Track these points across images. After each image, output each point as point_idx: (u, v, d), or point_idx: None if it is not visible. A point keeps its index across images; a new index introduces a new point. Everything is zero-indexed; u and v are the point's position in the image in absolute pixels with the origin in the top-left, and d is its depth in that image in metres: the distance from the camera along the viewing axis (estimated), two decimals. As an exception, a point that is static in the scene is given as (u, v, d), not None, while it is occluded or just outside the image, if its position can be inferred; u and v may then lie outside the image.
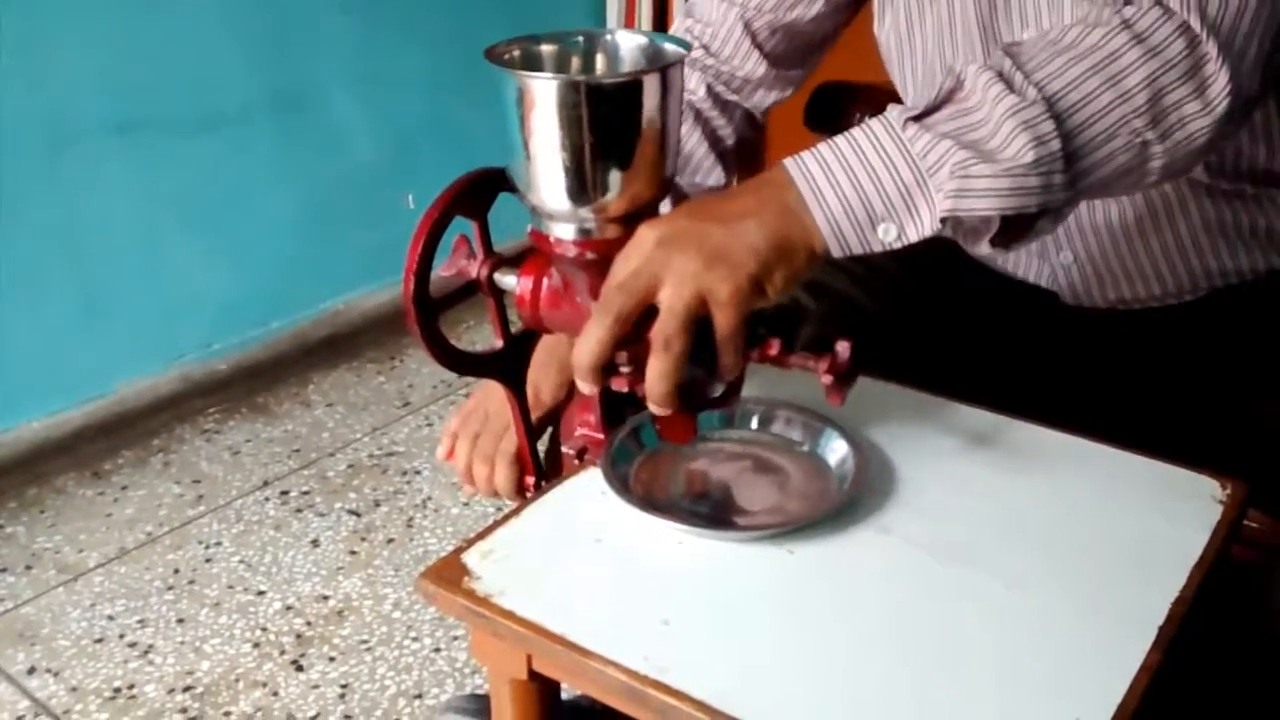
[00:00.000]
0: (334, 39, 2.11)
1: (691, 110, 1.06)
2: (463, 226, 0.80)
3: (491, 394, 0.95)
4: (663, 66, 0.72)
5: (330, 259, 2.23)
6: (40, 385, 1.87)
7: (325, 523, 1.78)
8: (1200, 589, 0.67)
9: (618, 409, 0.81)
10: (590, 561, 0.71)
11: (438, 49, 2.24)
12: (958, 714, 0.59)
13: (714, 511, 0.75)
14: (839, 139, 0.69)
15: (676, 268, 0.66)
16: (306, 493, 1.86)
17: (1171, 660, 0.62)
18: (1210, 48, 0.69)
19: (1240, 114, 0.71)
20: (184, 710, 1.43)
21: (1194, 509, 0.74)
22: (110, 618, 1.58)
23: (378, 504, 1.83)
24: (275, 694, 1.45)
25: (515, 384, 0.85)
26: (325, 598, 1.62)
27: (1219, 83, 0.69)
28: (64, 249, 1.86)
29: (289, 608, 1.60)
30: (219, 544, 1.73)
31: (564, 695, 0.78)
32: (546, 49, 0.76)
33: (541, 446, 0.92)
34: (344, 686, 1.46)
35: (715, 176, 1.07)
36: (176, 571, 1.67)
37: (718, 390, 0.73)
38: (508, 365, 0.84)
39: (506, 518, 0.75)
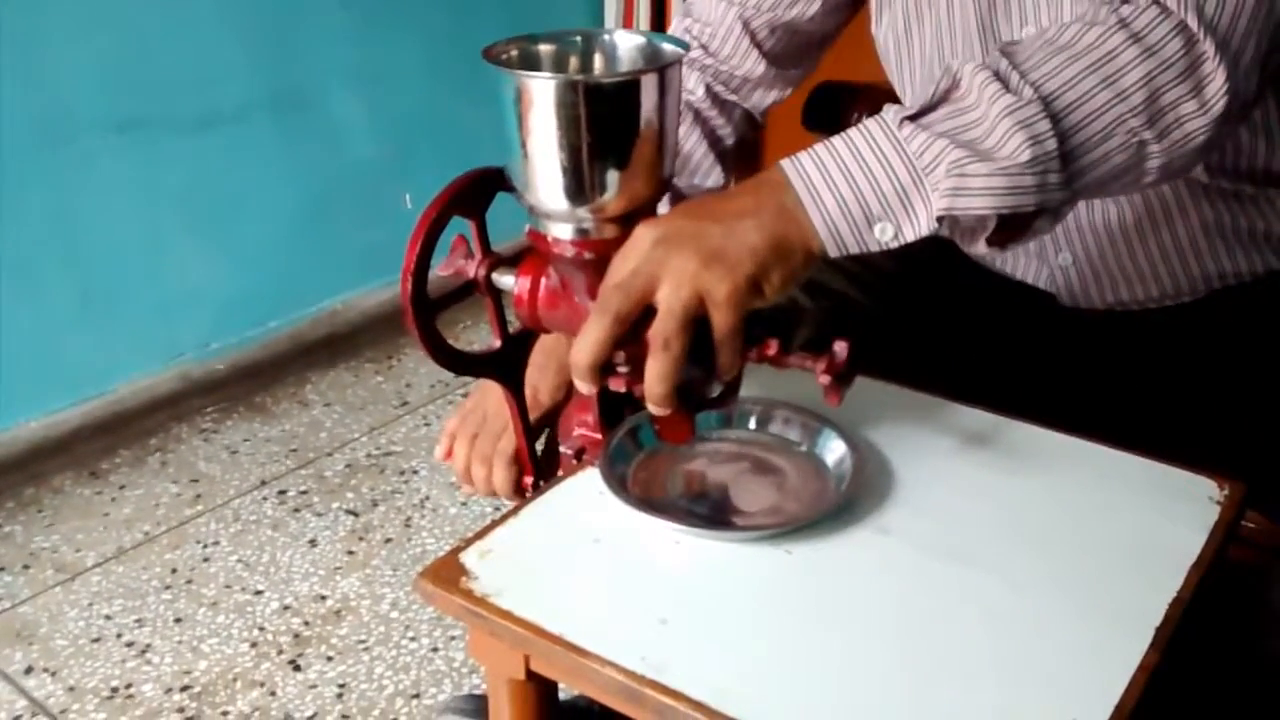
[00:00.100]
0: (333, 37, 2.11)
1: (690, 111, 1.06)
2: (461, 226, 0.80)
3: (489, 394, 0.95)
4: (661, 66, 0.72)
5: (328, 258, 2.23)
6: (38, 384, 1.87)
7: (323, 522, 1.78)
8: (1198, 590, 0.67)
9: (616, 409, 0.81)
10: (588, 561, 0.71)
11: (436, 47, 2.24)
12: (955, 713, 0.59)
13: (712, 511, 0.75)
14: (836, 139, 0.69)
15: (674, 267, 0.66)
16: (304, 492, 1.86)
17: (1169, 661, 0.62)
18: (1207, 46, 0.69)
19: (1237, 114, 0.71)
20: (181, 710, 1.43)
21: (1191, 509, 0.74)
22: (108, 617, 1.58)
23: (375, 504, 1.82)
24: (273, 694, 1.45)
25: (513, 384, 0.85)
26: (323, 597, 1.62)
27: (1216, 82, 0.69)
28: (62, 247, 1.86)
29: (287, 607, 1.60)
30: (217, 543, 1.73)
31: (562, 695, 0.78)
32: (544, 48, 0.76)
33: (540, 446, 0.92)
34: (341, 686, 1.46)
35: (714, 178, 1.07)
36: (174, 571, 1.67)
37: (716, 390, 0.73)
38: (506, 365, 0.84)
39: (504, 518, 0.75)
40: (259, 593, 1.63)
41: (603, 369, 0.67)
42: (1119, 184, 0.71)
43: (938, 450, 0.80)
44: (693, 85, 1.07)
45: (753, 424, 0.83)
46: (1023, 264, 1.04)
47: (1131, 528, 0.72)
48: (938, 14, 0.97)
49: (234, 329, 2.12)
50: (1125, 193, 0.78)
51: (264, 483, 1.88)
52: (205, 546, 1.73)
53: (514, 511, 0.75)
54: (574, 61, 0.77)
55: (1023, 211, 0.67)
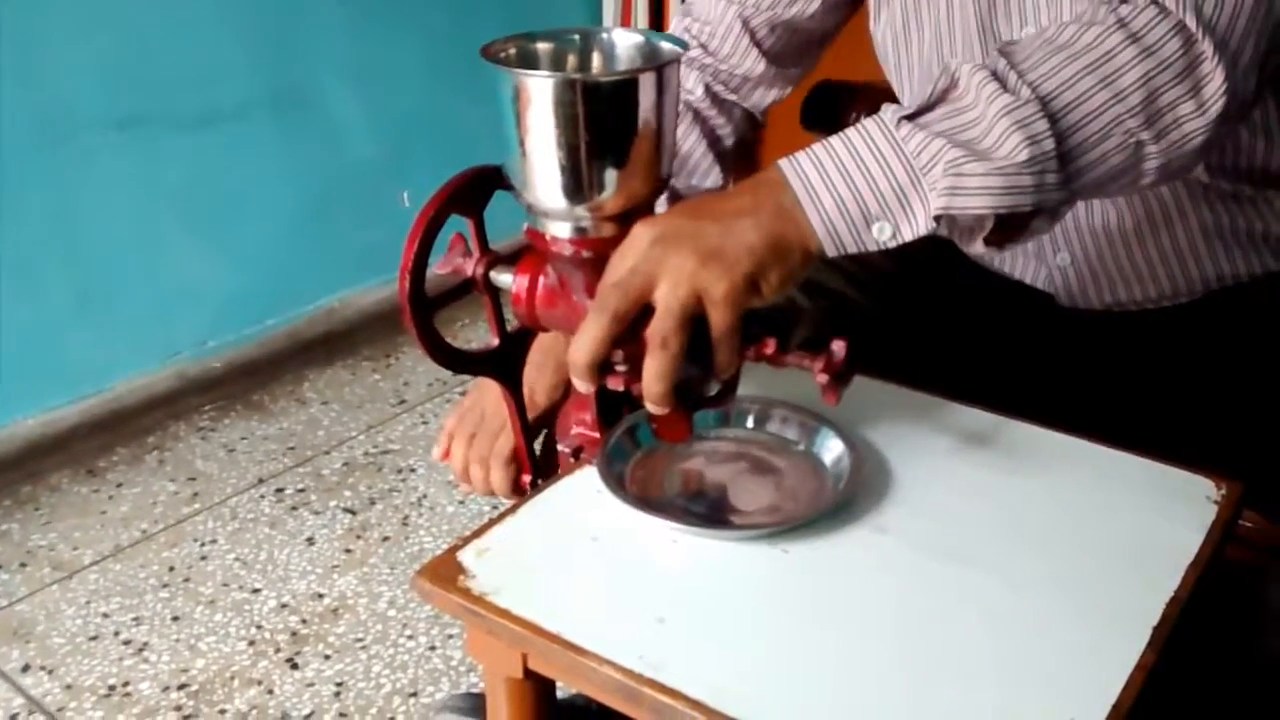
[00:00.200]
0: (331, 36, 2.11)
1: (690, 111, 1.06)
2: (459, 224, 0.80)
3: (487, 394, 0.95)
4: (659, 65, 0.72)
5: (326, 256, 2.23)
6: (35, 382, 1.87)
7: (320, 520, 1.78)
8: (1195, 589, 0.67)
9: (613, 408, 0.81)
10: (586, 560, 0.71)
11: (435, 46, 2.24)
12: (953, 713, 0.59)
13: (709, 510, 0.75)
14: (833, 139, 0.69)
15: (672, 266, 0.66)
16: (302, 490, 1.86)
17: (1166, 660, 0.62)
18: (1206, 47, 0.69)
19: (1236, 114, 0.71)
20: (179, 708, 1.43)
21: (1189, 509, 0.74)
22: (105, 615, 1.58)
23: (373, 502, 1.82)
24: (270, 692, 1.45)
25: (511, 382, 0.85)
26: (320, 596, 1.62)
27: (1214, 83, 0.69)
28: (60, 245, 1.86)
29: (284, 605, 1.60)
30: (214, 542, 1.73)
31: (559, 694, 0.78)
32: (543, 47, 0.76)
33: (539, 446, 0.92)
34: (339, 685, 1.46)
35: (713, 179, 1.07)
36: (171, 569, 1.67)
37: (713, 389, 0.73)
38: (504, 363, 0.84)
39: (502, 516, 0.75)
40: (256, 591, 1.63)
41: (601, 368, 0.67)
42: (1117, 185, 0.71)
43: (935, 449, 0.80)
44: (692, 85, 1.07)
45: (750, 423, 0.83)
46: (1021, 264, 1.04)
47: (1129, 527, 0.73)
48: (937, 13, 0.97)
49: (232, 327, 2.12)
50: (1124, 194, 0.78)
51: (261, 481, 1.88)
52: (203, 545, 1.72)
53: (512, 510, 0.75)
54: (572, 60, 0.77)
55: (1020, 211, 0.67)
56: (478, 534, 0.73)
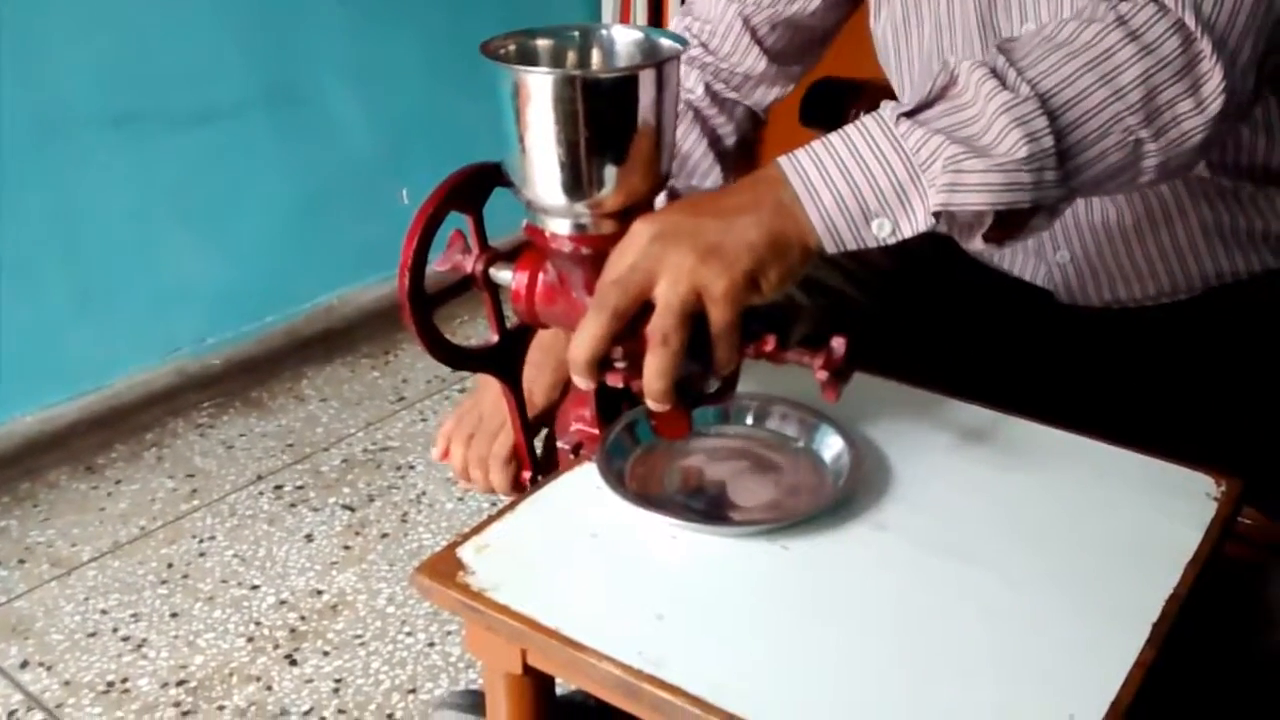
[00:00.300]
0: (329, 32, 2.11)
1: (690, 110, 1.06)
2: (458, 221, 0.80)
3: (484, 395, 0.95)
4: (659, 62, 0.71)
5: (325, 253, 2.23)
6: (33, 379, 1.87)
7: (319, 517, 1.78)
8: (1195, 586, 0.67)
9: (613, 404, 0.81)
10: (585, 556, 0.71)
11: (433, 43, 2.24)
12: (952, 709, 0.59)
13: (709, 507, 0.75)
14: (833, 136, 0.69)
15: (672, 263, 0.66)
16: (301, 487, 1.86)
17: (1166, 657, 0.63)
18: (1204, 45, 0.69)
19: (1234, 113, 0.71)
20: (177, 704, 1.43)
21: (1189, 506, 0.74)
22: (103, 612, 1.58)
23: (372, 499, 1.82)
24: (269, 688, 1.45)
25: (511, 378, 0.85)
26: (319, 592, 1.62)
27: (1213, 81, 0.69)
28: (58, 241, 1.86)
29: (283, 602, 1.60)
30: (213, 538, 1.73)
31: (559, 690, 0.78)
32: (542, 43, 0.76)
33: (540, 445, 0.92)
34: (338, 681, 1.46)
35: (713, 179, 1.07)
36: (170, 566, 1.67)
37: (713, 386, 0.73)
38: (504, 360, 0.84)
39: (501, 512, 0.75)
40: (255, 587, 1.63)
41: (601, 365, 0.67)
42: (1116, 182, 0.71)
43: (935, 446, 0.80)
44: (692, 84, 1.06)
45: (750, 420, 0.83)
46: (1020, 261, 1.04)
47: (1129, 524, 0.73)
48: (937, 11, 0.97)
49: (230, 324, 2.12)
50: (1123, 191, 0.78)
51: (260, 478, 1.88)
52: (201, 541, 1.72)
53: (511, 506, 0.75)
54: (572, 57, 0.77)
55: (1019, 208, 0.67)
56: (477, 530, 0.73)
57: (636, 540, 0.72)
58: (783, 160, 0.69)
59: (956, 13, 0.95)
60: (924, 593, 0.67)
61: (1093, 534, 0.72)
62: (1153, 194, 0.94)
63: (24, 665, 1.49)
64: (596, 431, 0.81)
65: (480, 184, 0.79)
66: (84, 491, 1.84)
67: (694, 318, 0.66)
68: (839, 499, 0.73)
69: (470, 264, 0.80)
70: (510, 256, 0.80)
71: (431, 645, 1.52)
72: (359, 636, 1.54)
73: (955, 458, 0.79)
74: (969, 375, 0.92)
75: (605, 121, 0.70)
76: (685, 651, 0.63)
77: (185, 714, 1.41)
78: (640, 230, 0.68)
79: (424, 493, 1.84)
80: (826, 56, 1.13)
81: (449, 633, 1.53)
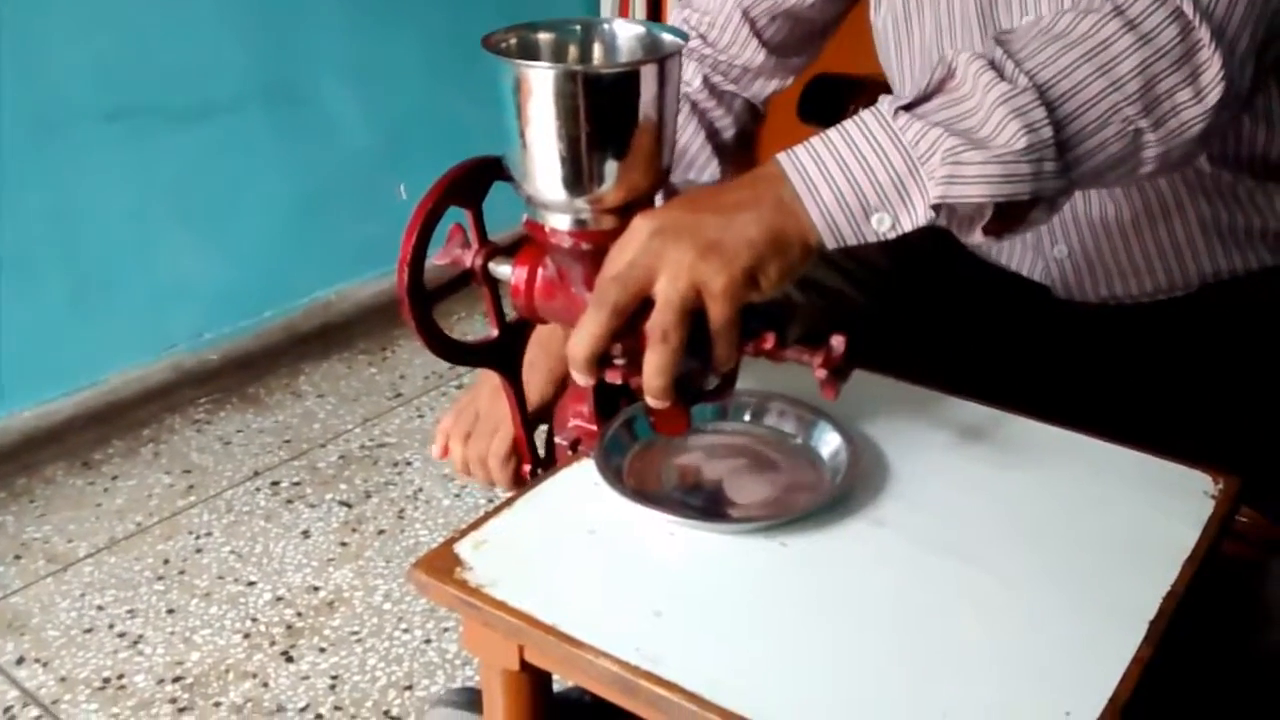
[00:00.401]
0: (327, 27, 2.11)
1: (687, 103, 1.06)
2: (457, 215, 0.80)
3: (481, 391, 0.95)
4: (660, 57, 0.71)
5: (323, 249, 2.22)
6: (30, 374, 1.87)
7: (316, 514, 1.78)
8: (1192, 583, 0.67)
9: (611, 400, 0.81)
10: (583, 553, 0.71)
11: (431, 38, 2.24)
12: (950, 706, 0.59)
13: (707, 503, 0.75)
14: (831, 131, 0.68)
15: (671, 259, 0.66)
16: (297, 483, 1.85)
17: (1162, 654, 0.63)
18: (1203, 34, 0.69)
19: (1233, 103, 0.71)
20: (174, 700, 1.43)
21: (1186, 504, 0.74)
22: (100, 608, 1.58)
23: (369, 495, 1.82)
24: (265, 685, 1.45)
25: (511, 372, 0.85)
26: (316, 589, 1.62)
27: (1211, 70, 0.69)
28: (55, 237, 1.85)
29: (279, 599, 1.60)
30: (209, 534, 1.73)
31: (556, 687, 0.78)
32: (543, 38, 0.76)
33: (541, 443, 0.92)
34: (334, 678, 1.46)
35: (710, 172, 1.06)
36: (166, 562, 1.67)
37: (712, 383, 0.73)
38: (503, 354, 0.84)
39: (499, 509, 0.75)
40: (252, 584, 1.63)
41: (600, 361, 0.67)
42: (1116, 174, 0.71)
43: (933, 443, 0.80)
44: (689, 76, 1.06)
45: (748, 416, 0.83)
46: (1018, 255, 1.04)
47: (1126, 521, 0.73)
48: (937, 4, 0.97)
49: (228, 320, 2.12)
50: (1124, 183, 0.78)
51: (257, 474, 1.88)
52: (198, 537, 1.72)
53: (508, 502, 0.75)
54: (573, 51, 0.77)
55: (1019, 200, 0.66)
56: (474, 526, 0.73)
57: (634, 537, 0.72)
58: (782, 157, 0.69)
59: (956, 6, 0.95)
60: (922, 589, 0.67)
61: (1090, 531, 0.72)
62: (1151, 190, 0.94)
63: (20, 661, 1.48)
64: (594, 427, 0.81)
65: (479, 179, 0.78)
66: (80, 487, 1.84)
67: (693, 314, 0.66)
68: (837, 496, 0.73)
69: (469, 259, 0.80)
70: (510, 251, 0.80)
71: (428, 642, 1.52)
72: (355, 633, 1.53)
73: (953, 455, 0.79)
74: (966, 372, 0.92)
75: (606, 117, 0.70)
76: (683, 648, 0.63)
77: (181, 710, 1.41)
78: (640, 226, 0.68)
79: (421, 489, 1.83)
80: (825, 52, 1.13)
81: (446, 630, 1.53)
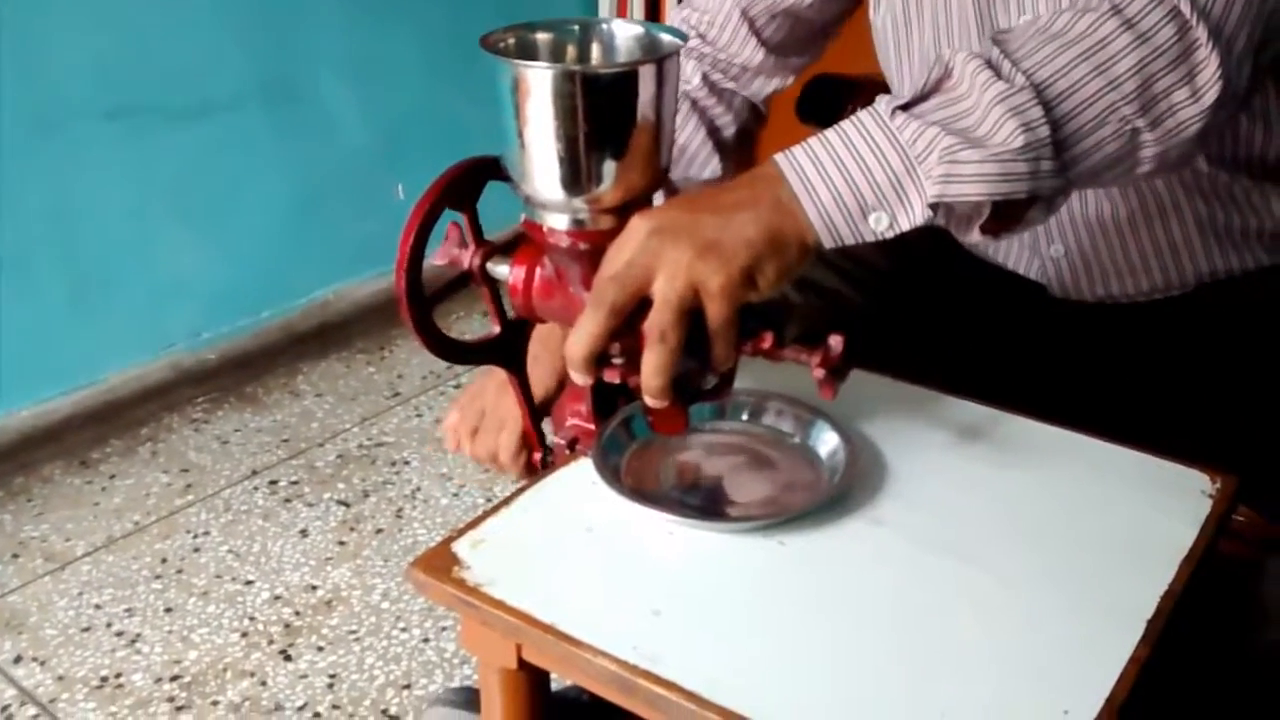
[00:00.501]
0: (326, 26, 2.11)
1: (687, 101, 1.06)
2: (454, 213, 0.79)
3: (486, 387, 0.95)
4: (659, 57, 0.71)
5: (321, 249, 2.22)
6: (28, 373, 1.86)
7: (314, 513, 1.78)
8: (1189, 582, 0.67)
9: (609, 399, 0.81)
10: (581, 551, 0.71)
11: (430, 38, 2.24)
12: (948, 704, 0.59)
13: (705, 502, 0.75)
14: (829, 131, 0.69)
15: (669, 259, 0.66)
16: (295, 483, 1.85)
17: (1160, 653, 0.63)
18: (1200, 33, 0.69)
19: (1231, 102, 0.71)
20: (171, 699, 1.43)
21: (1183, 503, 0.74)
22: (97, 606, 1.58)
23: (367, 494, 1.82)
24: (263, 683, 1.45)
25: (516, 367, 0.85)
26: (314, 588, 1.62)
27: (1208, 70, 0.69)
28: (53, 236, 1.85)
29: (277, 597, 1.60)
30: (207, 533, 1.73)
31: (554, 686, 0.78)
32: (542, 37, 0.76)
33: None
34: (332, 676, 1.46)
35: (711, 169, 1.06)
36: (164, 561, 1.67)
37: (710, 382, 0.73)
38: (507, 350, 0.84)
39: (497, 508, 0.75)
40: (249, 583, 1.63)
41: (598, 361, 0.67)
42: (1114, 173, 0.71)
43: (930, 443, 0.80)
44: (689, 74, 1.06)
45: (746, 416, 0.83)
46: (1015, 254, 1.04)
47: (1123, 520, 0.73)
48: (936, 4, 0.97)
49: (226, 319, 2.12)
50: (1122, 183, 0.78)
51: (255, 473, 1.88)
52: (196, 536, 1.72)
53: (506, 501, 0.75)
54: (571, 51, 0.77)
55: (1016, 199, 0.66)
56: (472, 525, 0.73)
57: (632, 536, 0.72)
58: (779, 157, 0.69)
59: (954, 6, 0.95)
60: (920, 588, 0.67)
61: (1088, 530, 0.72)
62: (1147, 190, 0.94)
63: (17, 660, 1.48)
64: (592, 427, 0.81)
65: (474, 180, 0.78)
66: (78, 486, 1.84)
67: (691, 314, 0.66)
68: (835, 495, 0.74)
69: (467, 259, 0.80)
70: (507, 250, 0.80)
71: (426, 641, 1.52)
72: (354, 632, 1.53)
73: (951, 454, 0.79)
74: (964, 371, 0.92)
75: (604, 117, 0.70)
76: (681, 647, 0.63)
77: (179, 709, 1.41)
78: (638, 226, 0.68)
79: (419, 488, 1.83)
80: (824, 52, 1.13)
81: (444, 628, 1.53)
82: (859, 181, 0.67)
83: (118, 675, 1.46)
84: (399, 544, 1.71)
